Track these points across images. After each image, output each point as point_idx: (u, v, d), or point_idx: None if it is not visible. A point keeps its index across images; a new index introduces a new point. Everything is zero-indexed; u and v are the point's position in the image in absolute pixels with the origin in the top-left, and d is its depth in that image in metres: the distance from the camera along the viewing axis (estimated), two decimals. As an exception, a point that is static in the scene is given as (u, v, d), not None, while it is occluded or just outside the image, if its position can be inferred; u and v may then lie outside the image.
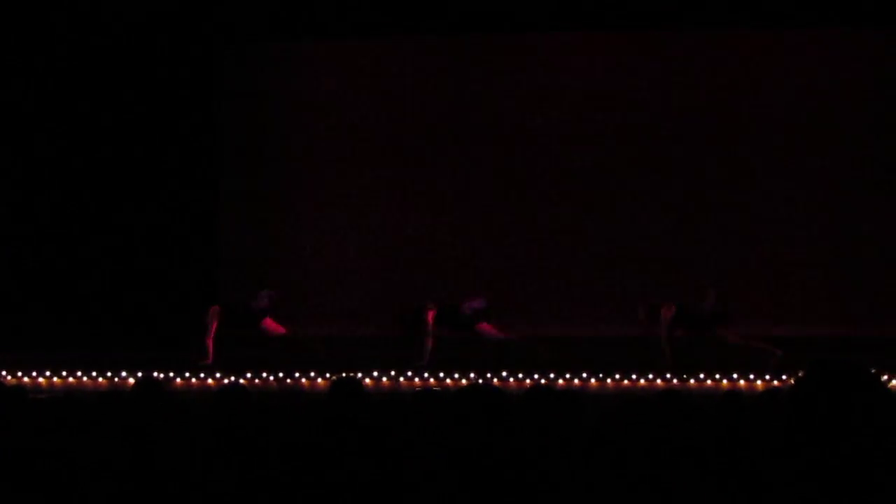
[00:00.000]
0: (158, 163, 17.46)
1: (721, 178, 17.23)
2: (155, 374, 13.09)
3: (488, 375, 13.08)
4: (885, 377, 12.09)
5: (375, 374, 13.24)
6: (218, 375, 13.36)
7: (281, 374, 13.38)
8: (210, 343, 14.49)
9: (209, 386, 13.09)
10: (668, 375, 12.88)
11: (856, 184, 16.96)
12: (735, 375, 12.78)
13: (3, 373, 13.51)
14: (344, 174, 17.93)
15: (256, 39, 17.92)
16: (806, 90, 17.10)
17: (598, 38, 17.52)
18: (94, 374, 13.48)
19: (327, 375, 13.06)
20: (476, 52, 17.74)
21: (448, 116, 17.77)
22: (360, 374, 12.81)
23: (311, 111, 17.99)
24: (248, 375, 13.28)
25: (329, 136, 17.96)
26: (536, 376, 12.89)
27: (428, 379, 13.11)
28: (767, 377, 12.65)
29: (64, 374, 13.52)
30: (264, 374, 13.37)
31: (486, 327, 14.69)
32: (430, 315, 14.54)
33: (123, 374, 13.34)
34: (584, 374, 12.96)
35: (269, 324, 14.93)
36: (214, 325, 14.61)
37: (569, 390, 7.91)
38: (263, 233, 18.00)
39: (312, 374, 13.30)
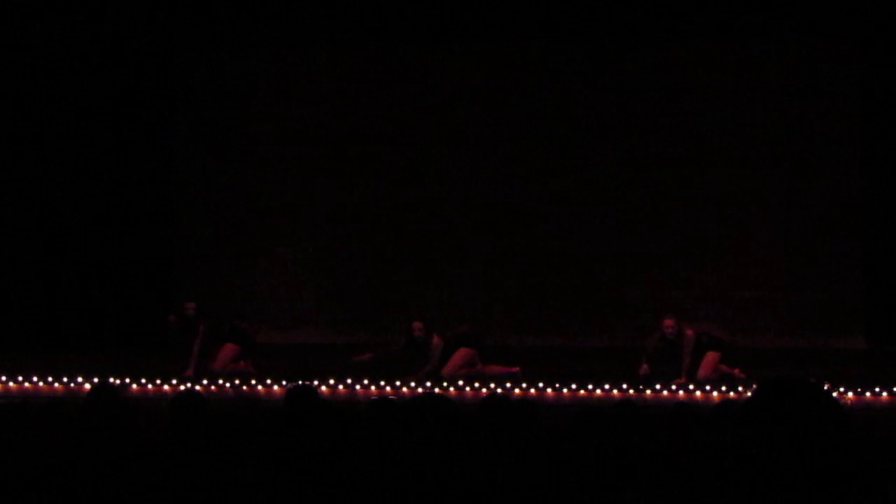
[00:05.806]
0: (115, 166, 17.37)
1: (664, 190, 17.23)
2: (111, 379, 13.00)
3: (444, 384, 13.09)
4: (842, 389, 12.21)
5: (331, 381, 13.23)
6: (174, 382, 13.31)
7: (237, 382, 13.35)
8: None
9: (165, 392, 13.04)
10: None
11: (807, 195, 17.03)
12: (691, 387, 12.84)
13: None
14: (304, 180, 17.89)
15: (218, 48, 17.86)
16: (770, 98, 17.15)
17: (566, 45, 17.46)
18: (49, 379, 13.38)
19: (283, 383, 13.05)
20: (443, 58, 17.72)
21: (410, 123, 17.73)
22: (315, 382, 12.80)
23: (272, 118, 17.93)
24: (205, 382, 13.26)
25: (290, 142, 17.90)
26: (493, 385, 12.91)
27: (384, 388, 13.11)
28: (724, 388, 12.71)
29: (20, 378, 13.43)
30: (220, 381, 13.35)
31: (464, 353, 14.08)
32: (436, 338, 13.94)
33: (79, 379, 13.26)
34: (541, 384, 12.98)
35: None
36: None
37: (524, 400, 7.93)
38: (221, 239, 17.90)
39: (269, 381, 13.28)
